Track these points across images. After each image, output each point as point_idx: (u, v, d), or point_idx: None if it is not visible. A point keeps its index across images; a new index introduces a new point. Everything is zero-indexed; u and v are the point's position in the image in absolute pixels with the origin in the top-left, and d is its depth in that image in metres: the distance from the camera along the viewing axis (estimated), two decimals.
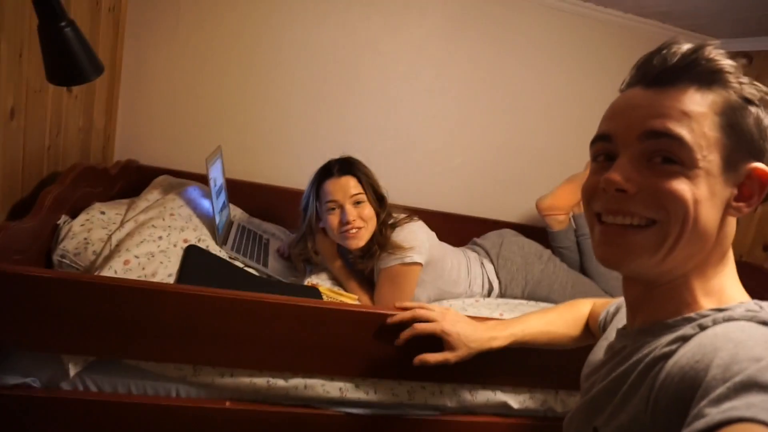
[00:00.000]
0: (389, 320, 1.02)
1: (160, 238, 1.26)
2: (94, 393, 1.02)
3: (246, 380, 1.06)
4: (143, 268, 1.17)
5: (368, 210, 1.42)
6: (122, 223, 1.30)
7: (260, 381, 1.06)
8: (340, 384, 1.10)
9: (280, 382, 1.07)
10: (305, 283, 1.49)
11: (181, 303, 0.98)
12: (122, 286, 0.95)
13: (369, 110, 2.01)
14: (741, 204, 0.56)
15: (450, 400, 1.15)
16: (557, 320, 1.02)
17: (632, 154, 0.57)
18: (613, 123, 0.60)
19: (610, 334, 0.81)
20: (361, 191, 1.42)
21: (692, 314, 0.56)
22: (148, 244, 1.22)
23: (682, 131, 0.54)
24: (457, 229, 2.04)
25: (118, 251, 1.17)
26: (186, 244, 1.30)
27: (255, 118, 1.93)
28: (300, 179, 1.88)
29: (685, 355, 0.51)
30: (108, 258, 1.17)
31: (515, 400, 1.18)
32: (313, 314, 1.04)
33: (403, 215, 1.50)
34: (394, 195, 1.94)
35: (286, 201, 1.86)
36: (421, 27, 1.96)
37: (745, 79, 0.57)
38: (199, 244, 1.34)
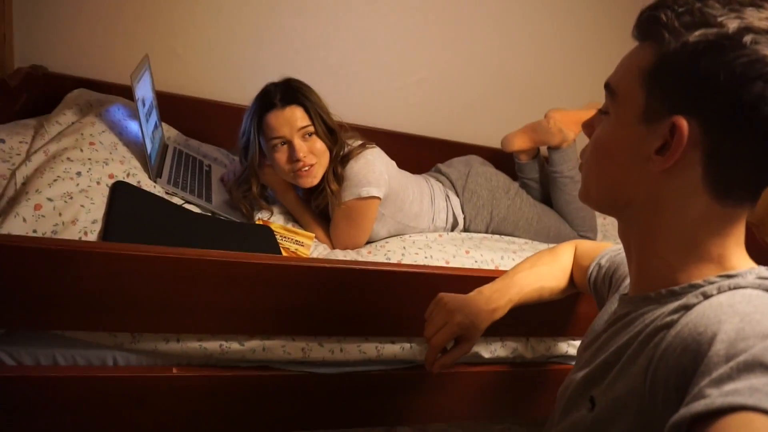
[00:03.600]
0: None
1: (79, 174, 1.05)
2: (10, 367, 0.86)
3: (195, 345, 0.93)
4: (60, 214, 0.97)
5: (319, 143, 1.26)
6: (28, 155, 1.07)
7: (212, 345, 0.94)
8: (302, 344, 0.99)
9: (234, 346, 0.95)
10: (256, 219, 1.34)
11: (110, 264, 0.81)
12: (33, 247, 0.76)
13: (317, 17, 1.74)
14: (658, 156, 0.54)
15: (420, 354, 1.08)
16: (547, 275, 0.96)
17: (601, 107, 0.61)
18: None
19: (612, 303, 0.75)
20: (309, 123, 1.25)
21: (700, 281, 0.53)
22: (64, 183, 1.01)
23: (611, 78, 0.59)
24: (417, 153, 1.90)
25: (26, 193, 0.96)
26: (112, 181, 1.09)
27: (188, 20, 1.63)
28: (241, 94, 1.65)
29: (687, 325, 0.48)
30: (13, 201, 0.96)
31: (486, 350, 1.13)
32: (271, 272, 0.90)
33: (357, 143, 1.34)
34: (346, 114, 1.76)
35: (227, 118, 1.60)
36: None
37: (692, 26, 0.50)
38: (128, 180, 1.13)
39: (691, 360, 0.45)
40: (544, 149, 1.77)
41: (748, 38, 0.47)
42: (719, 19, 0.49)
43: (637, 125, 0.55)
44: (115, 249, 0.81)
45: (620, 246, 0.90)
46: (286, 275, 0.92)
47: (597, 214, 1.94)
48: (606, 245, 0.94)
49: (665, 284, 0.56)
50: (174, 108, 1.61)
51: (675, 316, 0.51)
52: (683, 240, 0.55)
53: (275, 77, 1.32)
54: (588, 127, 0.63)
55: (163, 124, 1.54)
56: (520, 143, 1.70)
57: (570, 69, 2.07)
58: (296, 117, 1.23)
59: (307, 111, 1.25)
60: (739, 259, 0.55)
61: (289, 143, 1.24)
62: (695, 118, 0.50)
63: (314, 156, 1.26)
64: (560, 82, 2.08)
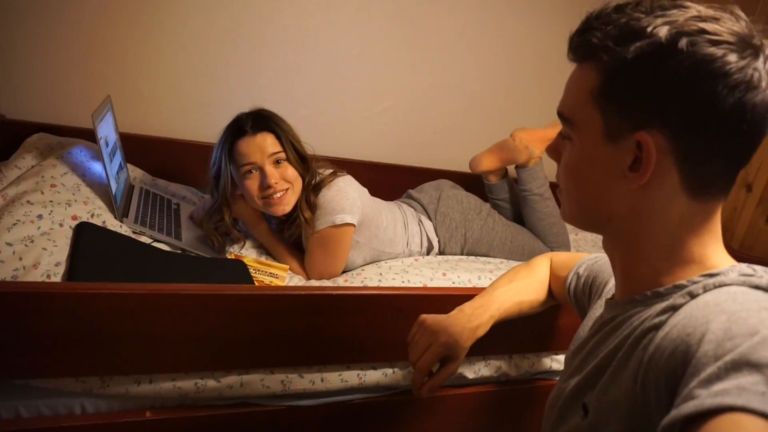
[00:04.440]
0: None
1: (40, 217, 1.02)
2: None
3: (169, 385, 0.89)
4: (20, 258, 0.93)
5: (291, 170, 1.25)
6: None
7: (187, 384, 0.90)
8: (282, 376, 0.96)
9: (210, 383, 0.91)
10: (227, 254, 1.31)
11: (74, 305, 0.77)
12: None
13: (284, 51, 1.76)
14: (633, 174, 0.54)
15: (404, 379, 1.05)
16: (525, 288, 0.96)
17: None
18: None
19: (596, 309, 0.75)
20: (281, 149, 1.24)
21: (684, 281, 0.53)
22: (24, 227, 0.98)
23: (564, 110, 0.59)
24: (388, 181, 1.91)
25: None
26: (76, 223, 1.06)
27: (151, 61, 1.63)
28: (208, 131, 1.63)
29: (675, 326, 0.48)
30: None
31: (470, 371, 1.11)
32: (247, 302, 0.88)
33: (328, 171, 1.34)
34: (316, 146, 1.77)
35: (194, 157, 1.60)
36: None
37: (625, 41, 0.51)
38: (92, 221, 1.10)
39: (681, 361, 0.45)
40: (512, 169, 1.80)
41: (683, 42, 0.49)
42: (649, 29, 0.50)
43: (603, 145, 0.55)
44: (79, 288, 0.78)
45: (596, 255, 0.92)
46: (262, 305, 0.89)
47: (569, 228, 1.97)
48: (582, 255, 0.95)
49: (650, 286, 0.56)
50: (139, 148, 1.58)
51: (663, 317, 0.51)
52: (667, 243, 0.56)
53: (241, 111, 1.32)
54: (553, 152, 0.64)
55: (129, 165, 1.52)
56: (488, 163, 1.73)
57: (533, 90, 2.13)
58: (267, 143, 1.23)
59: (278, 137, 1.25)
60: (720, 258, 0.56)
61: (260, 170, 1.23)
62: (657, 128, 0.51)
63: (286, 182, 1.25)
64: (524, 104, 2.13)
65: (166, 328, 0.84)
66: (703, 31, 0.49)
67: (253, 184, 1.24)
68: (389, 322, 0.99)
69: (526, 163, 1.66)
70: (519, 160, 1.67)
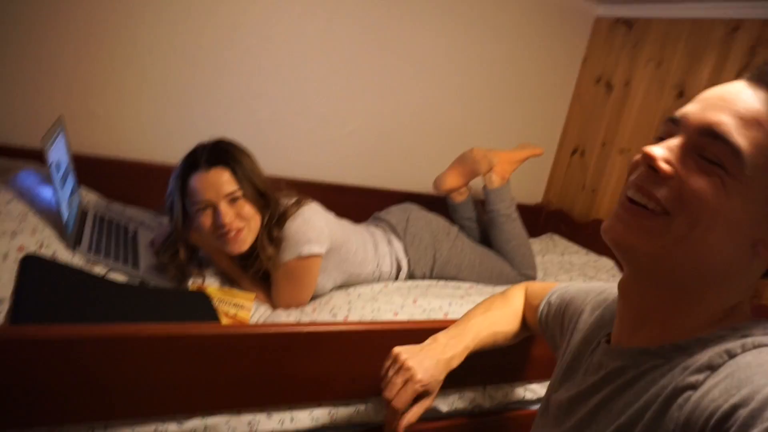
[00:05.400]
0: None
1: None
2: None
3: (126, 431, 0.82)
4: None
5: (248, 207, 1.19)
6: None
7: (146, 430, 0.83)
8: (249, 417, 0.91)
9: (172, 428, 0.85)
10: (189, 283, 1.25)
11: (15, 352, 0.70)
12: None
13: (246, 72, 1.71)
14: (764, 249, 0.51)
15: (376, 414, 1.02)
16: (500, 319, 0.95)
17: (685, 143, 0.52)
18: (688, 108, 0.54)
19: (577, 344, 0.72)
20: (237, 187, 1.18)
21: (705, 335, 0.52)
22: None
23: (740, 139, 0.48)
24: (354, 203, 1.88)
25: None
26: (22, 254, 0.98)
27: (105, 79, 1.55)
28: (167, 152, 1.58)
29: (717, 386, 0.46)
30: None
31: (444, 403, 1.09)
32: (209, 342, 0.83)
33: (291, 201, 1.29)
34: (280, 168, 1.72)
35: (152, 179, 1.52)
36: None
37: None
38: (41, 252, 1.02)
39: (724, 420, 0.43)
40: (477, 190, 1.81)
41: None
42: None
43: (765, 203, 0.50)
44: (18, 335, 0.71)
45: (568, 283, 0.91)
46: (227, 344, 0.84)
47: (536, 250, 1.99)
48: (554, 285, 0.94)
49: (670, 338, 0.54)
50: (94, 171, 1.50)
51: (700, 377, 0.49)
52: (727, 305, 0.54)
53: (203, 134, 1.26)
54: (669, 164, 0.52)
55: (83, 189, 1.44)
56: (451, 180, 1.73)
57: (497, 112, 2.15)
58: (222, 180, 1.16)
59: (234, 173, 1.18)
60: (738, 309, 0.55)
61: (214, 207, 1.18)
62: None
63: (242, 220, 1.19)
64: (488, 125, 2.16)
65: (120, 372, 0.78)
66: None
67: (206, 221, 1.18)
68: (360, 356, 0.96)
69: (487, 171, 1.67)
70: (480, 170, 1.68)
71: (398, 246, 1.53)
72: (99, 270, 1.13)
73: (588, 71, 2.25)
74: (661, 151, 0.52)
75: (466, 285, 1.55)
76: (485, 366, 1.08)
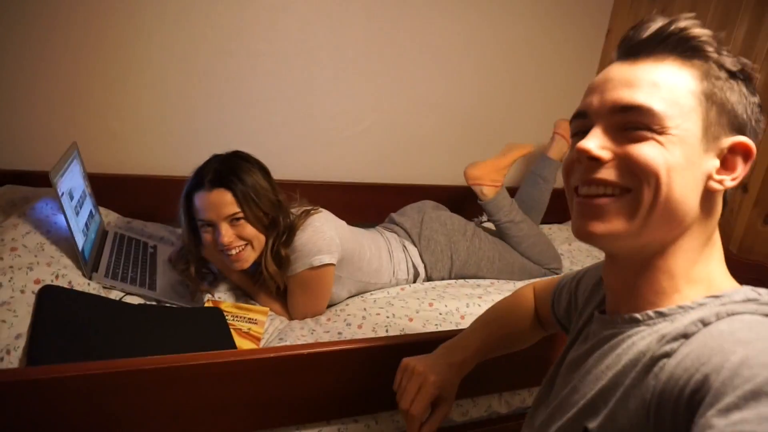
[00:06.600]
0: None
1: None
2: None
3: None
4: None
5: (249, 228, 1.19)
6: None
7: None
8: None
9: None
10: (205, 300, 1.27)
11: (26, 394, 0.73)
12: None
13: (258, 75, 1.71)
14: (723, 176, 0.55)
15: (387, 429, 1.01)
16: (511, 320, 0.92)
17: (606, 126, 0.56)
18: (589, 99, 0.59)
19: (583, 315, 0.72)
20: (238, 209, 1.17)
21: (688, 302, 0.54)
22: None
23: (652, 101, 0.53)
24: (372, 200, 1.87)
25: None
26: (38, 287, 1.02)
27: (118, 97, 1.58)
28: (187, 164, 1.59)
29: (689, 355, 0.48)
30: None
31: (458, 412, 1.07)
32: (214, 370, 0.84)
33: (300, 211, 1.28)
34: (296, 171, 1.72)
35: (170, 193, 1.52)
36: None
37: (725, 51, 0.56)
38: (57, 282, 1.06)
39: (697, 390, 0.44)
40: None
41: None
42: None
43: (699, 143, 0.54)
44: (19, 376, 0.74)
45: (574, 271, 0.87)
46: (231, 369, 0.85)
47: (563, 238, 1.93)
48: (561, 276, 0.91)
49: (653, 305, 0.56)
50: (113, 189, 1.55)
51: (674, 345, 0.50)
52: (691, 259, 0.56)
53: (218, 141, 1.28)
54: (605, 149, 0.56)
55: (103, 209, 1.48)
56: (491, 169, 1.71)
57: (517, 98, 2.08)
58: (223, 202, 1.16)
59: (235, 195, 1.17)
60: (723, 278, 0.57)
61: (214, 227, 1.19)
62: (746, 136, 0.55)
63: (242, 240, 1.20)
64: (505, 116, 2.08)
65: (128, 403, 0.80)
66: None
67: (208, 238, 1.21)
68: (369, 372, 0.95)
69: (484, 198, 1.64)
70: (482, 198, 1.67)
71: (413, 251, 1.51)
72: (116, 294, 1.16)
73: (612, 45, 2.13)
74: (592, 142, 0.55)
75: (486, 282, 1.52)
76: (501, 372, 1.05)
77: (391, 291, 1.43)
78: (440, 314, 1.31)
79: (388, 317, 1.28)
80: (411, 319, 1.28)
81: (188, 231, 1.24)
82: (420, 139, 1.99)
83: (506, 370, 1.07)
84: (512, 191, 1.79)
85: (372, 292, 1.42)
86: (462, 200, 1.90)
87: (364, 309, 1.32)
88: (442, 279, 1.52)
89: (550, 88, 2.11)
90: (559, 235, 1.97)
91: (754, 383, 0.40)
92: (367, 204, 1.85)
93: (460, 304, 1.34)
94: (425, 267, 1.50)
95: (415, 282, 1.50)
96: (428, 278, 1.52)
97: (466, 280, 1.53)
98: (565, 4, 2.01)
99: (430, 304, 1.34)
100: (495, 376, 1.07)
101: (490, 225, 1.76)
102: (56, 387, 0.75)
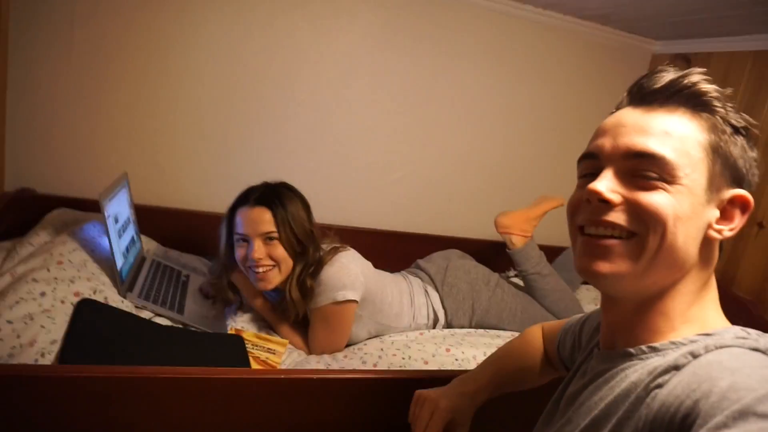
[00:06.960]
0: None
1: (43, 294, 1.05)
2: None
3: None
4: (18, 336, 0.96)
5: (281, 250, 1.26)
6: None
7: None
8: None
9: None
10: (229, 328, 1.32)
11: (50, 391, 0.79)
12: None
13: (299, 123, 1.83)
14: (722, 226, 0.57)
15: None
16: (522, 355, 0.94)
17: (617, 169, 0.58)
18: (600, 141, 0.61)
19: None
20: (274, 229, 1.25)
21: (681, 339, 0.56)
22: (26, 305, 1.02)
23: (664, 150, 0.55)
24: (399, 248, 1.91)
25: None
26: (78, 299, 1.10)
27: (169, 135, 1.72)
28: (223, 203, 1.69)
29: (680, 384, 0.50)
30: None
31: None
32: (231, 387, 0.87)
33: (330, 247, 1.34)
34: (328, 214, 1.78)
35: (208, 227, 1.64)
36: (352, 32, 1.81)
37: (731, 107, 0.58)
38: (94, 297, 1.14)
39: (688, 414, 0.46)
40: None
41: None
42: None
43: (704, 194, 0.56)
44: (44, 372, 0.80)
45: (580, 315, 0.88)
46: (239, 389, 0.88)
47: (589, 300, 1.90)
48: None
49: (646, 341, 0.58)
50: (155, 220, 1.65)
51: (666, 377, 0.52)
52: (688, 301, 0.58)
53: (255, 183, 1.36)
54: (615, 193, 0.58)
55: (144, 237, 1.58)
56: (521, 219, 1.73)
57: (547, 157, 2.12)
58: (262, 220, 1.25)
59: (275, 216, 1.26)
60: (717, 319, 0.59)
61: (249, 241, 1.26)
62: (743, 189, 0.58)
63: (272, 260, 1.26)
64: (535, 170, 2.13)
65: (138, 411, 0.84)
66: None
67: (241, 252, 1.28)
68: (380, 403, 0.96)
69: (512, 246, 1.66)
70: (510, 246, 1.68)
71: (435, 297, 1.53)
72: (146, 314, 1.23)
73: None
74: (603, 185, 0.57)
75: (506, 334, 1.51)
76: (519, 411, 1.04)
77: (410, 334, 1.44)
78: (456, 360, 1.31)
79: (403, 359, 1.29)
80: (426, 362, 1.28)
81: (225, 246, 1.31)
82: (450, 191, 2.05)
83: (523, 410, 1.05)
84: (544, 248, 1.80)
85: (390, 335, 1.44)
86: (488, 253, 1.92)
87: (381, 349, 1.33)
88: (462, 327, 1.53)
89: (583, 144, 2.14)
90: (587, 296, 1.94)
91: (741, 404, 0.42)
92: (395, 251, 1.89)
93: (477, 353, 1.34)
94: (445, 313, 1.51)
95: (434, 327, 1.51)
96: (448, 325, 1.52)
97: (487, 330, 1.53)
98: (601, 67, 2.09)
99: (447, 350, 1.34)
100: (513, 415, 1.05)
101: (518, 281, 1.76)
102: (67, 386, 0.80)
